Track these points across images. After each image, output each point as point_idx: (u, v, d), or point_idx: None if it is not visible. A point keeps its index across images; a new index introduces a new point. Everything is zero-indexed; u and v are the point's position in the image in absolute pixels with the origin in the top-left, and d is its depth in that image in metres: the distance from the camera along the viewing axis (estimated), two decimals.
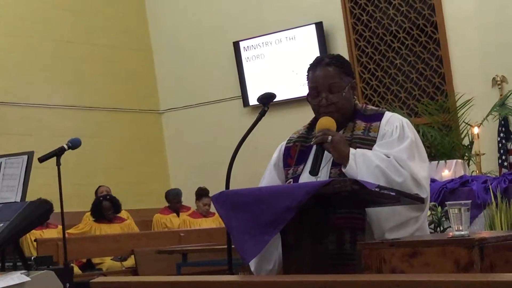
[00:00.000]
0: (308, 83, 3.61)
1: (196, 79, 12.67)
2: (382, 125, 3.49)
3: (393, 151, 3.37)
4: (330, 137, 3.38)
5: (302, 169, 3.51)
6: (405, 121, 3.52)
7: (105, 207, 10.49)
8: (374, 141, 3.45)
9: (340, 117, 3.52)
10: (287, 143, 3.67)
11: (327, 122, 3.47)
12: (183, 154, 12.90)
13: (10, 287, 3.91)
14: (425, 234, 3.44)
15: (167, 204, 11.62)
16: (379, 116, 3.53)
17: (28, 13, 11.77)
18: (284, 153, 3.64)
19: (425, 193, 3.32)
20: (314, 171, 3.39)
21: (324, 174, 3.45)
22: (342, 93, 3.52)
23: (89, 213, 11.14)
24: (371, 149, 3.41)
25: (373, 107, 3.65)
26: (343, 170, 3.38)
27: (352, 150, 3.38)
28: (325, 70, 3.56)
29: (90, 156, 11.63)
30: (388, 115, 3.54)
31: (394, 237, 3.19)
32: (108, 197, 10.61)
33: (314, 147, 3.44)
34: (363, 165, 3.32)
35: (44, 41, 11.88)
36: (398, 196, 3.14)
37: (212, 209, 10.52)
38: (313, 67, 3.60)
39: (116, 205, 10.61)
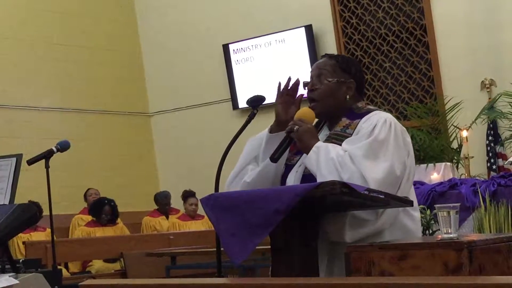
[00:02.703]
0: None
1: (186, 82, 12.66)
2: (361, 122, 3.42)
3: (351, 147, 3.30)
4: (296, 127, 3.38)
5: (297, 161, 3.52)
6: (384, 120, 3.38)
7: (105, 210, 10.48)
8: (348, 137, 3.41)
9: (322, 108, 3.50)
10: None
11: (303, 112, 3.47)
12: (172, 157, 12.89)
13: None
14: (394, 238, 3.34)
15: (156, 207, 11.61)
16: (364, 114, 3.47)
17: (16, 15, 11.74)
18: None
19: None
20: (273, 158, 3.40)
21: (301, 169, 3.45)
22: (327, 81, 3.50)
23: (78, 215, 11.14)
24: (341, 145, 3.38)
25: (371, 107, 3.57)
26: (304, 161, 3.39)
27: (318, 143, 3.35)
28: (324, 60, 3.59)
29: (79, 159, 11.61)
30: (373, 113, 3.46)
31: (352, 236, 3.19)
32: (112, 203, 10.60)
33: None
34: (323, 158, 3.29)
35: (33, 43, 11.86)
36: (387, 199, 3.13)
37: (201, 211, 10.51)
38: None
39: (115, 214, 10.62)
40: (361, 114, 3.48)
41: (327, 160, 3.28)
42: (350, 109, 3.52)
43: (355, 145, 3.31)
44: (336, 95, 3.52)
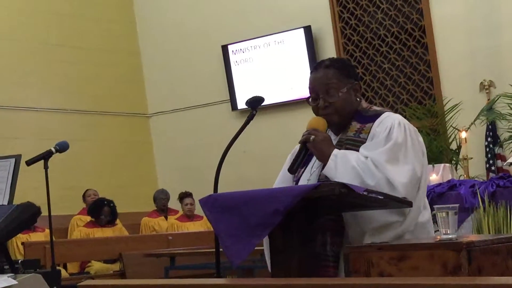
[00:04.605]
0: (308, 85, 3.59)
1: (184, 83, 12.66)
2: (374, 126, 3.42)
3: (373, 153, 3.31)
4: (312, 137, 3.38)
5: (303, 172, 3.51)
6: (398, 122, 3.41)
7: (104, 211, 10.48)
8: (364, 143, 3.40)
9: (340, 119, 3.49)
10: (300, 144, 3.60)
11: (315, 122, 3.47)
12: (171, 158, 12.89)
13: None
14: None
15: (155, 208, 11.61)
16: (375, 117, 3.47)
17: (15, 16, 11.74)
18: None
19: None
20: (291, 170, 3.41)
21: (314, 177, 3.44)
22: (339, 93, 3.48)
23: (77, 216, 11.13)
24: (358, 151, 3.38)
25: (377, 108, 3.57)
26: (323, 170, 3.38)
27: (335, 151, 3.35)
28: (324, 72, 3.53)
29: (78, 160, 11.60)
30: (384, 116, 3.46)
31: (373, 241, 3.17)
32: (111, 204, 10.59)
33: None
34: (342, 166, 3.30)
35: (31, 44, 11.85)
36: (386, 200, 3.14)
37: (200, 212, 10.51)
38: (314, 70, 3.59)
39: (113, 215, 10.61)
40: (371, 117, 3.48)
41: (348, 168, 3.28)
42: (356, 111, 3.52)
43: (376, 150, 3.32)
44: (350, 102, 3.52)
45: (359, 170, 3.26)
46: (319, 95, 3.51)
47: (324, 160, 3.36)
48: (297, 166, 3.41)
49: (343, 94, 3.49)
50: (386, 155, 3.29)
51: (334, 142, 3.47)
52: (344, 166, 3.29)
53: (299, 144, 3.54)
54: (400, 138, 3.35)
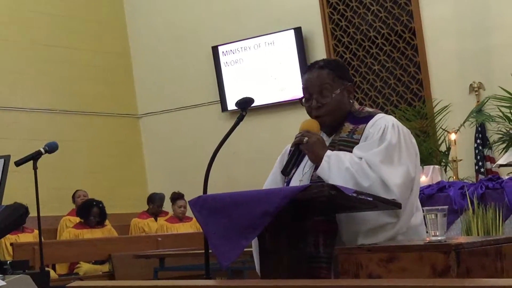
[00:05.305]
0: (302, 86, 3.58)
1: (175, 84, 12.65)
2: (368, 127, 3.42)
3: (367, 154, 3.30)
4: (306, 138, 3.38)
5: (294, 173, 3.51)
6: (392, 124, 3.41)
7: (93, 212, 10.44)
8: (357, 143, 3.40)
9: (332, 120, 3.50)
10: (291, 146, 3.58)
11: (308, 124, 3.47)
12: (161, 159, 12.87)
13: None
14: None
15: (144, 209, 11.59)
16: (368, 118, 3.46)
17: (5, 16, 11.70)
18: (287, 155, 3.58)
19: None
20: (285, 171, 3.41)
21: (306, 178, 3.44)
22: (332, 95, 3.48)
23: (66, 217, 11.11)
24: (351, 151, 3.38)
25: (370, 109, 3.56)
26: (316, 171, 3.38)
27: (328, 152, 3.35)
28: (317, 73, 3.53)
29: (67, 160, 11.58)
30: (377, 117, 3.46)
31: (367, 242, 3.17)
32: (100, 205, 10.56)
33: None
34: (335, 167, 3.29)
35: (21, 44, 11.81)
36: (375, 201, 3.14)
37: (190, 213, 10.50)
38: (308, 70, 3.58)
39: (103, 216, 10.57)
40: (363, 118, 3.47)
41: (342, 169, 3.28)
42: (349, 112, 3.52)
43: (370, 151, 3.31)
44: (342, 104, 3.52)
45: (353, 171, 3.26)
46: (313, 96, 3.51)
47: (317, 161, 3.36)
48: (290, 168, 3.42)
49: (337, 95, 3.49)
50: (380, 156, 3.29)
51: (327, 144, 3.47)
52: (338, 167, 3.29)
53: (289, 146, 3.54)
54: (394, 139, 3.35)
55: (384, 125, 3.40)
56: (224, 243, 3.13)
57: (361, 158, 3.30)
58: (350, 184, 3.22)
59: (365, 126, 3.43)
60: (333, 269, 3.04)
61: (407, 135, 3.43)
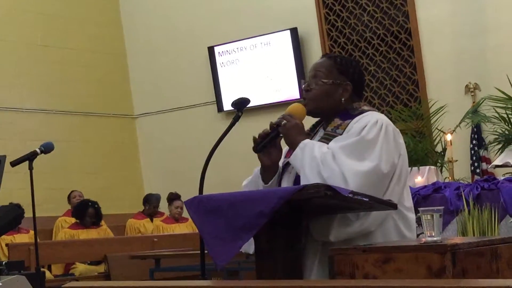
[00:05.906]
0: None
1: (170, 84, 12.65)
2: (352, 122, 3.38)
3: (335, 145, 3.28)
4: (284, 121, 3.38)
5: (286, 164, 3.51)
6: (376, 120, 3.35)
7: (89, 213, 10.43)
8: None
9: (315, 107, 3.48)
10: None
11: (294, 108, 3.48)
12: (156, 159, 12.87)
13: None
14: (389, 239, 3.34)
15: (140, 209, 11.58)
16: (358, 115, 3.43)
17: (0, 16, 11.68)
18: (283, 157, 3.58)
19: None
20: (256, 149, 3.42)
21: (294, 171, 3.43)
22: (321, 82, 3.47)
23: (62, 218, 11.09)
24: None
25: (366, 108, 3.50)
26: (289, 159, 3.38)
27: (305, 140, 3.35)
28: (322, 60, 3.56)
29: (63, 161, 11.57)
30: (366, 114, 3.41)
31: (336, 236, 3.18)
32: (96, 205, 10.55)
33: None
34: (307, 155, 3.28)
35: (17, 44, 11.80)
36: (371, 202, 3.13)
37: (185, 214, 10.50)
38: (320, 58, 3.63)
39: (98, 216, 10.56)
40: (354, 116, 3.44)
41: (310, 158, 3.27)
42: (345, 110, 3.49)
43: (339, 143, 3.29)
44: (331, 96, 3.48)
45: (318, 161, 3.25)
46: (309, 81, 3.53)
47: (292, 147, 3.38)
48: (261, 146, 3.41)
49: (325, 85, 3.47)
50: (347, 149, 3.24)
51: (319, 136, 3.46)
52: (309, 155, 3.28)
53: (257, 174, 3.54)
54: (371, 135, 3.29)
55: (368, 121, 3.35)
56: (219, 243, 3.13)
57: (329, 149, 3.29)
58: (314, 173, 3.21)
59: (350, 122, 3.40)
60: (329, 270, 3.04)
61: (390, 134, 3.35)
